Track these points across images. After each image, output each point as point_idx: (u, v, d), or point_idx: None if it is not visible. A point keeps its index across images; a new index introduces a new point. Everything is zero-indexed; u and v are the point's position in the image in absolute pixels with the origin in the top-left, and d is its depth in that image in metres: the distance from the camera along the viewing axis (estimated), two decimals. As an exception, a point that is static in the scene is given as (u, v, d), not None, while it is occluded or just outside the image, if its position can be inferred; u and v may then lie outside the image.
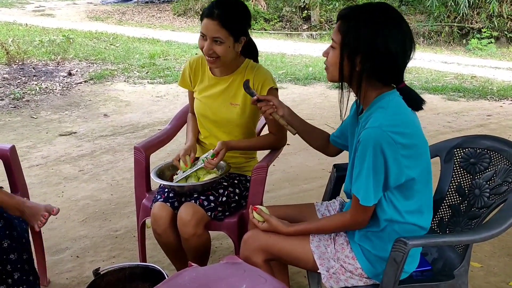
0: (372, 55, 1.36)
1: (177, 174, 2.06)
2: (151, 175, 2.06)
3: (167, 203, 1.96)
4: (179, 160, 2.02)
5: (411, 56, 1.41)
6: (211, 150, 1.96)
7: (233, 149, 2.04)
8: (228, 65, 2.02)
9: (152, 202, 2.02)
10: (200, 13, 1.99)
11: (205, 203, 1.93)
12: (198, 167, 1.98)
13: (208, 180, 1.97)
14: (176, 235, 1.96)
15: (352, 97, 1.52)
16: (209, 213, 1.93)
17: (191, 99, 2.22)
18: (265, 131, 2.21)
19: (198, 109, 2.13)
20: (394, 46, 1.35)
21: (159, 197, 2.00)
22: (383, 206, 1.46)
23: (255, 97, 1.80)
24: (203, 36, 1.92)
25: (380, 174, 1.36)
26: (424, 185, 1.48)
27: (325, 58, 1.48)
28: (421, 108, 1.45)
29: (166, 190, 2.02)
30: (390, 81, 1.43)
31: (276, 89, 2.06)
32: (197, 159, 2.05)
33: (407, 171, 1.39)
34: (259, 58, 2.21)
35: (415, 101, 1.44)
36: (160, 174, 2.06)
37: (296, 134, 1.83)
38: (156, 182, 2.02)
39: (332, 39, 1.44)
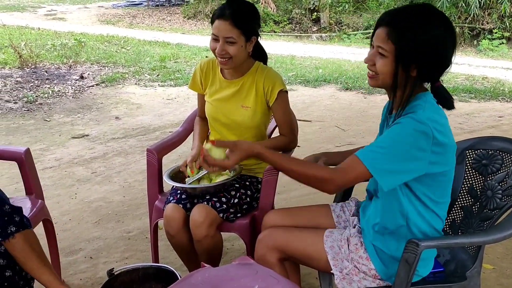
0: (431, 61, 1.36)
1: (189, 176, 2.08)
2: (163, 177, 2.09)
3: (180, 205, 1.98)
4: (186, 166, 2.05)
5: (453, 58, 1.41)
6: None
7: None
8: (239, 66, 2.04)
9: (165, 204, 2.04)
10: (210, 15, 2.02)
11: (217, 204, 1.95)
12: (206, 172, 1.99)
13: (220, 181, 1.99)
14: (188, 237, 1.98)
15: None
16: (221, 215, 1.95)
17: (200, 102, 2.23)
18: (276, 133, 2.22)
19: (210, 112, 2.15)
20: (449, 48, 1.36)
21: (171, 198, 2.02)
22: (402, 203, 1.46)
23: None
24: (215, 38, 1.94)
25: (402, 153, 1.33)
26: (446, 187, 1.48)
27: (370, 65, 1.43)
28: (453, 107, 1.45)
29: (179, 191, 2.05)
30: (435, 80, 1.43)
31: (286, 91, 2.08)
32: None
33: (430, 166, 1.37)
34: (269, 60, 2.22)
35: (447, 100, 1.45)
36: (173, 176, 2.08)
37: None
38: (168, 184, 2.04)
39: (378, 46, 1.38)
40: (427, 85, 1.48)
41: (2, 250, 1.62)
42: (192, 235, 1.93)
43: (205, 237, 1.90)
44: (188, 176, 2.06)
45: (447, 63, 1.39)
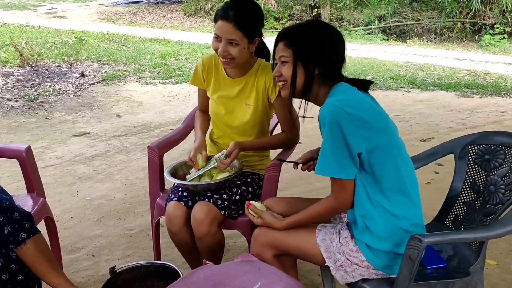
0: (321, 57, 1.53)
1: (190, 173, 2.07)
2: (165, 174, 2.08)
3: (181, 202, 1.98)
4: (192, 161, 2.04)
5: (345, 54, 1.59)
6: (224, 150, 1.97)
7: (246, 150, 2.05)
8: (242, 66, 2.03)
9: (166, 201, 2.04)
10: (211, 13, 2.01)
11: (219, 201, 1.95)
12: (211, 167, 1.99)
13: (222, 178, 1.98)
14: (190, 234, 1.97)
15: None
16: (222, 212, 1.94)
17: (201, 96, 2.22)
18: (278, 129, 2.21)
19: (213, 109, 2.14)
20: (338, 47, 1.55)
21: (173, 196, 2.02)
22: (363, 191, 1.51)
23: (294, 165, 1.86)
24: (218, 38, 1.92)
25: (341, 145, 1.43)
26: (392, 159, 1.51)
27: (278, 77, 1.59)
28: (368, 87, 1.60)
29: (180, 189, 2.04)
30: (337, 76, 1.57)
31: None
32: (210, 158, 2.07)
33: (366, 142, 1.45)
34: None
35: (361, 83, 1.58)
36: (174, 173, 2.08)
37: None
38: (170, 181, 2.03)
39: (280, 56, 1.57)
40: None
41: (13, 256, 1.63)
42: (194, 233, 1.93)
43: (207, 234, 1.90)
44: (189, 173, 2.06)
45: (338, 60, 1.56)
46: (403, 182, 1.52)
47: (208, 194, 1.97)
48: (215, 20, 1.92)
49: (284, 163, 1.94)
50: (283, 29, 1.62)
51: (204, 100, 2.21)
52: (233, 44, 1.90)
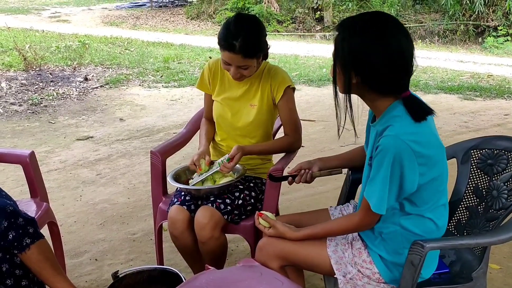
0: (359, 69, 1.37)
1: (192, 178, 2.08)
2: (167, 178, 2.09)
3: (184, 206, 1.98)
4: (195, 165, 2.04)
5: (407, 67, 1.38)
6: (227, 155, 1.98)
7: (249, 154, 2.05)
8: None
9: (169, 206, 2.04)
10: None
11: (222, 206, 1.95)
12: (214, 171, 1.99)
13: (225, 183, 1.98)
14: (192, 238, 1.98)
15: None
16: (225, 217, 1.95)
17: (207, 102, 2.22)
18: (281, 133, 2.21)
19: (218, 110, 2.15)
20: (376, 60, 1.34)
21: (176, 200, 2.02)
22: (394, 210, 1.46)
23: (289, 180, 1.80)
24: (227, 63, 1.94)
25: (395, 183, 1.37)
26: (437, 192, 1.47)
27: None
28: (423, 119, 1.39)
29: (183, 193, 2.05)
30: (388, 92, 1.41)
31: (293, 88, 2.08)
32: (212, 162, 2.07)
33: (421, 178, 1.39)
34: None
35: (417, 113, 1.39)
36: (177, 178, 2.08)
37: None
38: (172, 185, 2.04)
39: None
40: None
41: (18, 261, 1.64)
42: (197, 237, 1.93)
43: (210, 239, 1.90)
44: (192, 178, 2.06)
45: (390, 74, 1.36)
46: (436, 211, 1.48)
47: (211, 199, 1.98)
48: (221, 48, 1.92)
49: (281, 179, 1.90)
50: (344, 18, 1.44)
51: (209, 107, 2.22)
52: (243, 68, 1.94)
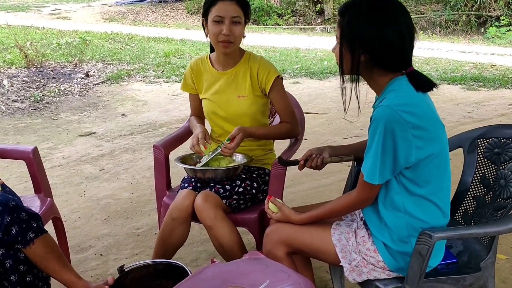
0: (368, 46, 1.40)
1: (200, 162, 2.05)
2: (174, 161, 2.08)
3: (196, 192, 1.96)
4: (199, 145, 2.00)
5: (412, 42, 1.42)
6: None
7: (250, 136, 2.02)
8: (232, 54, 2.04)
9: (179, 189, 2.02)
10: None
11: (221, 190, 1.95)
12: (217, 152, 1.98)
13: (231, 166, 1.99)
14: (186, 231, 1.95)
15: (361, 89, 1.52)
16: (224, 201, 1.94)
17: (193, 101, 2.23)
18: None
19: (208, 107, 2.14)
20: (389, 35, 1.38)
21: (187, 185, 2.01)
22: (393, 194, 1.46)
23: (301, 162, 1.78)
24: (220, 21, 1.93)
25: (388, 153, 1.37)
26: (438, 170, 1.46)
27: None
28: (430, 89, 1.44)
29: (193, 179, 2.04)
30: (395, 67, 1.45)
31: (282, 78, 2.08)
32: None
33: (418, 151, 1.38)
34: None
35: (422, 84, 1.43)
36: (183, 162, 2.07)
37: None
38: (179, 176, 2.03)
39: (335, 35, 1.50)
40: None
41: (21, 257, 1.64)
42: (203, 223, 1.90)
43: (214, 219, 1.86)
44: (204, 154, 2.03)
45: (394, 50, 1.40)
46: (440, 194, 1.47)
47: (211, 184, 1.97)
48: (211, 5, 1.93)
49: (290, 163, 1.90)
50: (345, 3, 1.48)
51: (196, 105, 2.22)
52: (236, 23, 1.93)
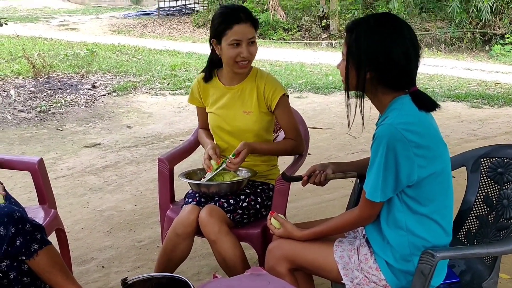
0: (374, 64, 1.42)
1: (204, 177, 2.07)
2: (178, 177, 2.09)
3: (200, 207, 1.97)
4: (210, 159, 2.03)
5: (417, 61, 1.45)
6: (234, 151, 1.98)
7: (255, 151, 2.04)
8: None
9: (182, 206, 2.04)
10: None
11: (225, 205, 1.96)
12: (221, 167, 2.00)
13: (235, 180, 2.00)
14: (189, 246, 1.97)
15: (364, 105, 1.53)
16: (228, 215, 1.94)
17: (200, 114, 2.26)
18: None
19: (213, 121, 2.16)
20: (395, 54, 1.40)
21: (191, 200, 2.02)
22: (396, 213, 1.46)
23: (304, 178, 1.79)
24: (237, 44, 1.95)
25: (390, 171, 1.38)
26: (440, 189, 1.46)
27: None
28: (433, 109, 1.46)
29: (197, 195, 2.05)
30: (398, 86, 1.46)
31: (287, 96, 2.10)
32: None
33: (420, 170, 1.39)
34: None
35: (425, 104, 1.45)
36: (187, 178, 2.08)
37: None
38: (183, 189, 2.04)
39: (341, 51, 1.52)
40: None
41: (25, 269, 1.65)
42: (206, 237, 1.91)
43: (219, 233, 1.86)
44: (204, 177, 2.05)
45: (400, 69, 1.42)
46: (442, 213, 1.48)
47: (215, 199, 1.98)
48: (226, 29, 1.94)
49: (294, 179, 1.91)
50: (350, 21, 1.53)
51: (204, 118, 2.24)
52: (252, 43, 1.97)
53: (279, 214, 1.71)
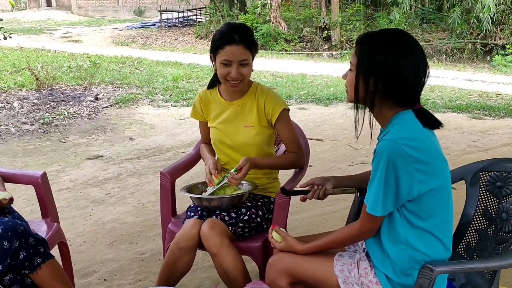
0: (383, 78, 1.44)
1: (206, 191, 2.08)
2: (180, 191, 2.11)
3: (202, 220, 1.99)
4: (211, 174, 2.05)
5: (424, 80, 1.47)
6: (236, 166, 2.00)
7: (257, 166, 2.06)
8: (243, 86, 2.08)
9: (184, 219, 2.05)
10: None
11: (226, 218, 1.97)
12: (223, 182, 2.02)
13: (236, 193, 2.01)
14: (191, 259, 1.97)
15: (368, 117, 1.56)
16: (230, 228, 1.96)
17: (203, 128, 2.28)
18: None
19: (215, 136, 2.18)
20: (405, 70, 1.42)
21: (193, 214, 2.04)
22: (396, 227, 1.47)
23: (301, 197, 1.82)
24: (227, 64, 1.97)
25: (391, 186, 1.39)
26: (441, 204, 1.47)
27: (344, 79, 1.56)
28: (436, 128, 1.49)
29: (199, 208, 2.07)
30: (404, 102, 1.48)
31: (288, 110, 2.12)
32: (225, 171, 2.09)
33: (420, 185, 1.40)
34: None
35: (429, 121, 1.47)
36: (189, 192, 2.10)
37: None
38: (184, 200, 2.05)
39: (350, 62, 1.53)
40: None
41: (28, 282, 1.66)
42: (208, 250, 1.92)
43: (220, 246, 1.88)
44: (206, 191, 2.07)
45: (407, 85, 1.44)
46: (442, 227, 1.49)
47: (217, 212, 1.99)
48: (219, 48, 1.97)
49: (293, 193, 1.92)
50: (363, 33, 1.53)
51: (206, 132, 2.27)
52: (244, 65, 1.98)
53: (281, 228, 1.72)
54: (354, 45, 1.58)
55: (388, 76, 1.42)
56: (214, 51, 2.01)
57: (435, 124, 1.48)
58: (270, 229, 1.73)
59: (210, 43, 2.10)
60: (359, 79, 1.47)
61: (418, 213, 1.45)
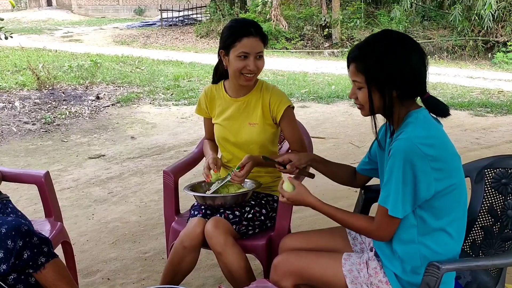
0: (401, 80, 1.43)
1: (210, 190, 2.08)
2: (184, 190, 2.10)
3: (206, 219, 1.98)
4: (210, 169, 2.05)
5: (427, 66, 1.48)
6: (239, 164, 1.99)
7: (260, 164, 2.05)
8: (254, 81, 2.09)
9: (188, 218, 2.05)
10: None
11: (230, 216, 1.97)
12: (226, 180, 2.01)
13: (240, 192, 2.01)
14: (195, 258, 1.97)
15: (379, 122, 1.54)
16: (234, 226, 1.95)
17: (207, 125, 2.28)
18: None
19: (219, 132, 2.18)
20: (416, 64, 1.44)
21: (196, 212, 2.04)
22: (413, 224, 1.45)
23: (280, 168, 1.81)
24: (245, 56, 1.97)
25: (409, 185, 1.37)
26: (456, 202, 1.46)
27: (354, 99, 1.53)
28: (448, 114, 1.48)
29: (203, 207, 2.06)
30: (417, 94, 1.48)
31: (293, 107, 2.12)
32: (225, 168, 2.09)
33: (437, 183, 1.39)
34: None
35: (441, 108, 1.47)
36: (192, 190, 2.09)
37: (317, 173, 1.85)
38: (188, 196, 2.03)
39: (354, 81, 1.50)
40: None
41: (32, 281, 1.66)
42: (212, 249, 1.91)
43: (225, 245, 1.87)
44: (209, 190, 2.07)
45: (420, 77, 1.45)
46: (456, 225, 1.48)
47: (221, 210, 1.99)
48: (235, 41, 1.96)
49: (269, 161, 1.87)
50: (352, 50, 1.51)
51: (210, 129, 2.26)
52: (260, 58, 2.00)
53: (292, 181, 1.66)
54: (355, 42, 1.56)
55: (405, 76, 1.42)
56: (228, 46, 1.99)
57: (446, 110, 1.47)
58: (280, 182, 1.69)
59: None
60: (374, 93, 1.45)
61: (432, 211, 1.44)
